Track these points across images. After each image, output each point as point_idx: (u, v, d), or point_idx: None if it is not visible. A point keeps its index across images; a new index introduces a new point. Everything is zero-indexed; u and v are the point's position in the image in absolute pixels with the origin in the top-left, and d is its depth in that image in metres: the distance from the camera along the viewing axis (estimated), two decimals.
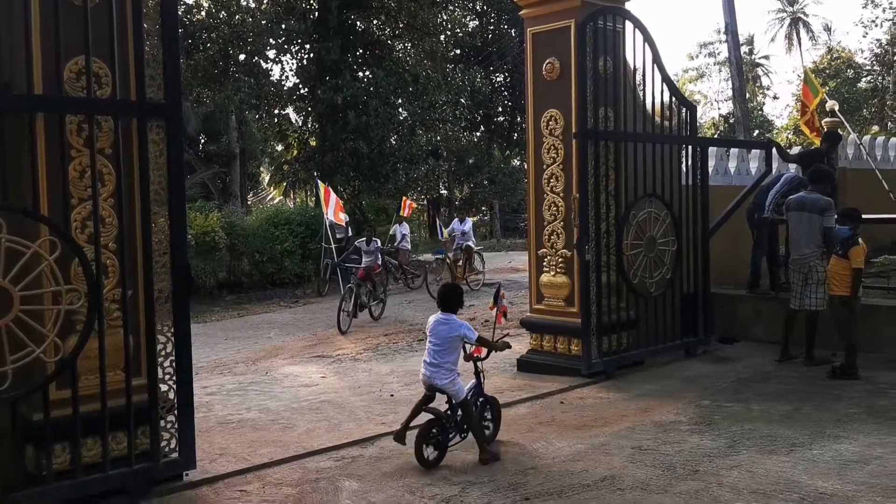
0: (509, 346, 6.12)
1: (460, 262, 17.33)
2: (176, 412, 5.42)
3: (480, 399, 6.10)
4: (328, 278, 17.69)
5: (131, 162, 5.23)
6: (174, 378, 5.40)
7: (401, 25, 25.16)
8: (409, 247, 18.96)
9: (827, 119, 11.98)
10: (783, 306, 9.03)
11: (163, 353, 5.35)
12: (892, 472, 5.29)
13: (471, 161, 35.01)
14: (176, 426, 5.43)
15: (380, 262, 14.40)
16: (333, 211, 17.64)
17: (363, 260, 13.88)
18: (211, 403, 7.75)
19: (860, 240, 7.99)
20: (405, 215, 19.31)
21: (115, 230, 5.12)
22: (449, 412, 5.83)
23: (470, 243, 17.66)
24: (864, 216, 8.42)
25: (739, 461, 5.57)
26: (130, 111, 5.21)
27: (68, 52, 4.91)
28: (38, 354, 4.71)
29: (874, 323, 8.65)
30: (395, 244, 18.30)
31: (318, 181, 19.10)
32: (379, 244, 14.45)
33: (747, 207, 10.26)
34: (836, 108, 12.61)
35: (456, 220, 18.93)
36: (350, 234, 18.73)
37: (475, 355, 6.05)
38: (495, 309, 6.58)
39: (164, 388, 5.37)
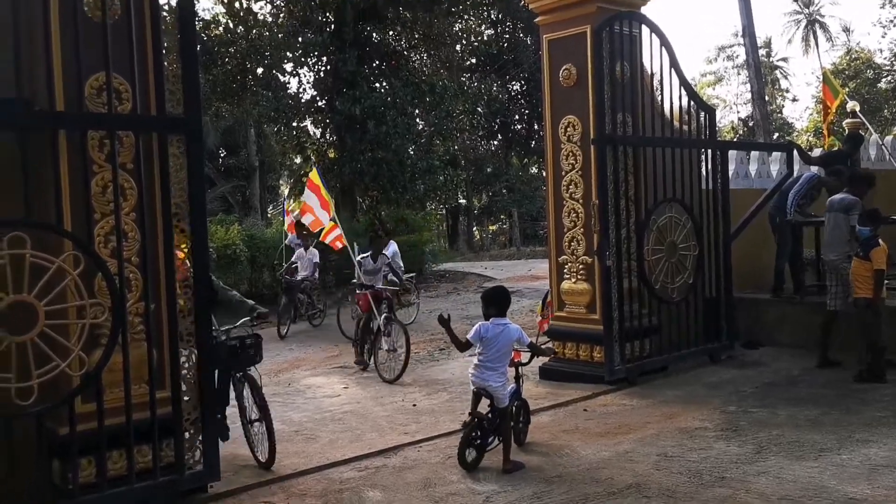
0: (554, 352, 6.21)
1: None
2: (200, 424, 5.44)
3: (517, 402, 6.15)
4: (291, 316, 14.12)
5: (152, 176, 5.27)
6: (197, 390, 5.43)
7: (416, 36, 25.24)
8: (317, 276, 14.87)
9: (848, 120, 11.87)
10: (807, 310, 8.93)
11: (186, 365, 5.38)
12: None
13: (489, 170, 34.97)
14: (200, 438, 5.45)
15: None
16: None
17: (364, 278, 10.58)
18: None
19: (881, 241, 7.90)
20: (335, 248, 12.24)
21: (137, 244, 5.16)
22: (490, 415, 5.86)
23: (394, 276, 11.32)
24: (888, 217, 8.33)
25: (767, 467, 5.51)
26: (151, 126, 5.27)
27: (89, 69, 4.97)
28: (63, 368, 4.74)
29: None
30: (298, 274, 14.46)
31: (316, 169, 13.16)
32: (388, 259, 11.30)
33: (769, 210, 10.17)
34: (857, 108, 12.50)
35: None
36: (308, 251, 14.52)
37: (516, 360, 6.08)
38: (540, 316, 6.62)
39: (187, 400, 5.40)
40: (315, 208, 11.17)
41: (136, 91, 5.15)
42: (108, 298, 4.93)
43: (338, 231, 11.29)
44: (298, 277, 14.35)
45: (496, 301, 6.01)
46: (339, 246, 11.40)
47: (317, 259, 14.66)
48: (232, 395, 6.46)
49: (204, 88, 19.93)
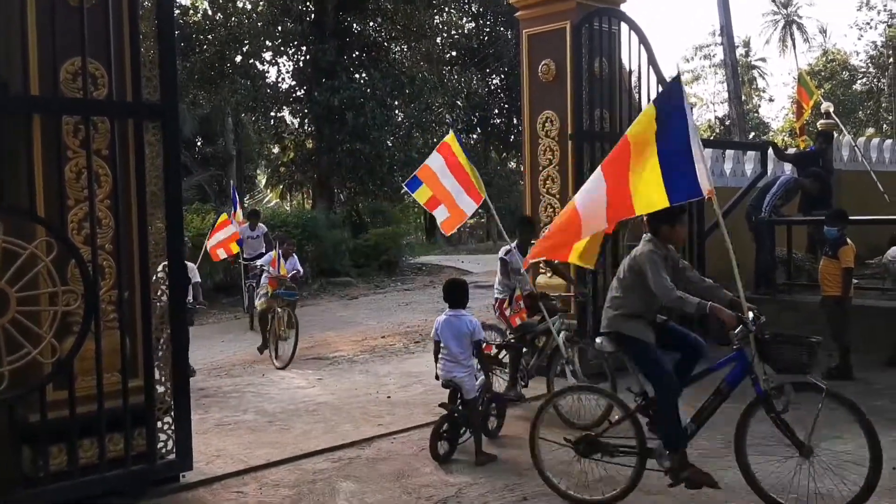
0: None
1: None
2: (173, 413, 5.42)
3: (487, 395, 6.17)
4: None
5: (128, 163, 5.24)
6: (171, 379, 5.40)
7: (397, 27, 25.21)
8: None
9: (822, 121, 12.04)
10: (779, 308, 9.03)
11: (159, 354, 5.36)
12: (886, 472, 5.29)
13: None
14: (172, 427, 5.43)
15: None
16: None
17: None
18: (208, 405, 7.74)
19: (848, 240, 8.03)
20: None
21: (111, 231, 5.13)
22: (461, 408, 5.90)
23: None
24: (859, 218, 8.44)
25: (735, 461, 5.57)
26: (127, 112, 5.23)
27: (65, 53, 4.92)
28: (34, 356, 4.70)
29: (869, 324, 8.66)
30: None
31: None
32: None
33: (746, 209, 10.28)
34: (832, 109, 12.66)
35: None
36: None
37: (487, 352, 6.11)
38: (509, 310, 6.67)
39: (160, 389, 5.37)
40: (454, 193, 7.13)
41: (113, 77, 5.11)
42: (80, 285, 4.89)
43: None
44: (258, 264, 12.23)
45: (451, 294, 6.10)
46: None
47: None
48: None
49: (181, 75, 19.75)
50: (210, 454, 6.07)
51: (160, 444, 5.37)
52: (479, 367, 6.07)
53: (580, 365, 6.96)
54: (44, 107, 4.90)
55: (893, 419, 6.57)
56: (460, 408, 5.91)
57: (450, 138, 7.22)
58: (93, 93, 5.04)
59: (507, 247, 7.53)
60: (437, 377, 6.10)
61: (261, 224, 14.14)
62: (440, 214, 7.22)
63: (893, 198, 11.50)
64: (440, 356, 6.00)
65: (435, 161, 7.22)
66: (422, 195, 7.30)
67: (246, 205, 31.43)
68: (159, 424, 5.37)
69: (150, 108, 5.29)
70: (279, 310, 10.15)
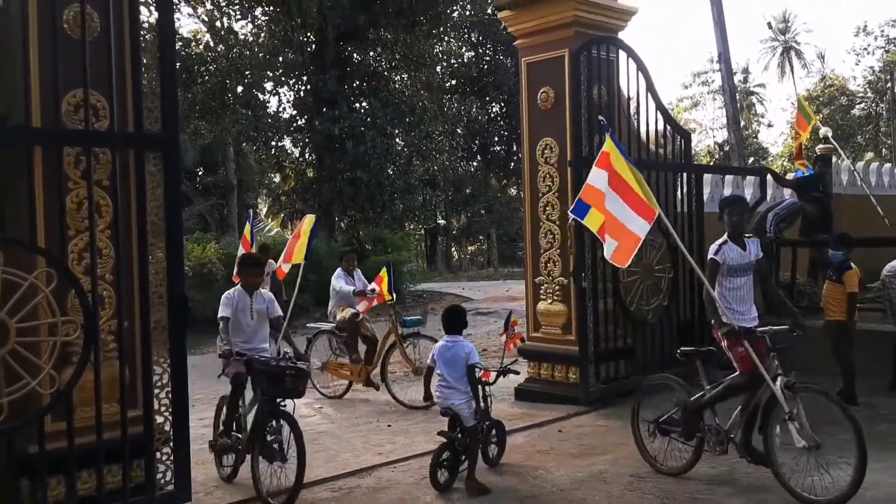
0: (517, 372, 6.35)
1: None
2: (172, 444, 5.39)
3: (486, 423, 6.14)
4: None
5: (129, 194, 5.26)
6: (170, 409, 5.38)
7: (397, 57, 25.40)
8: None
9: (821, 146, 12.07)
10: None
11: (159, 384, 5.34)
12: (891, 496, 5.26)
13: (468, 191, 35.11)
14: (172, 458, 5.39)
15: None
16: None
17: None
18: (208, 435, 7.65)
19: (852, 264, 8.02)
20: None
21: (111, 261, 5.13)
22: (460, 436, 5.87)
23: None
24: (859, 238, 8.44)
25: (739, 490, 5.54)
26: (128, 143, 5.25)
27: (66, 86, 4.96)
28: (33, 387, 4.69)
29: (872, 348, 8.63)
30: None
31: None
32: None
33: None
34: (830, 134, 12.69)
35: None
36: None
37: (483, 379, 6.09)
38: (505, 336, 6.64)
39: (160, 419, 5.35)
40: (622, 218, 5.69)
41: (114, 108, 5.15)
42: (80, 316, 4.89)
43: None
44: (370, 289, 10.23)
45: (448, 320, 6.13)
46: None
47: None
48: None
49: (183, 106, 19.88)
50: (209, 485, 6.03)
51: (159, 475, 5.33)
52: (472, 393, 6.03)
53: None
54: (46, 138, 4.93)
55: (895, 444, 6.54)
56: (459, 436, 5.87)
57: (608, 145, 5.77)
58: (94, 124, 5.07)
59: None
60: (425, 398, 6.24)
61: (271, 260, 11.63)
62: (608, 248, 5.77)
63: (893, 222, 11.51)
64: (437, 383, 5.98)
65: (598, 179, 5.79)
66: (593, 222, 5.86)
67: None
68: (158, 455, 5.34)
69: (152, 138, 5.32)
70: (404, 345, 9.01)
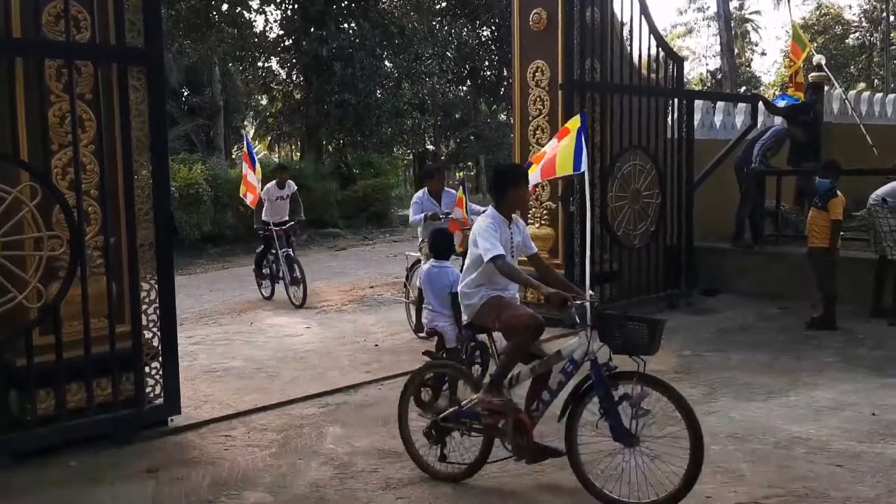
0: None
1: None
2: (160, 359, 5.45)
3: (472, 343, 6.21)
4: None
5: (112, 109, 5.17)
6: (158, 325, 5.42)
7: None
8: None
9: (814, 73, 11.98)
10: (766, 259, 9.09)
11: (146, 300, 5.37)
12: (865, 417, 5.41)
13: (457, 116, 34.70)
14: (160, 373, 5.46)
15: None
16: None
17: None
18: (196, 353, 7.78)
19: (839, 192, 8.06)
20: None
21: (96, 177, 5.09)
22: (443, 356, 5.94)
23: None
24: (852, 169, 8.45)
25: (717, 407, 5.68)
26: (110, 56, 5.15)
27: None
28: (20, 300, 4.71)
29: (854, 276, 8.74)
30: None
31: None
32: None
33: (735, 161, 10.29)
34: (823, 62, 12.60)
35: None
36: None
37: None
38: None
39: (148, 335, 5.39)
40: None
41: (96, 20, 5.02)
42: (66, 231, 4.87)
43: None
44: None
45: (434, 244, 6.14)
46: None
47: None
48: None
49: (166, 23, 19.42)
50: (198, 400, 6.12)
51: (148, 389, 5.40)
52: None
53: None
54: (26, 49, 4.82)
55: (872, 367, 6.71)
56: (443, 356, 5.95)
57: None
58: (75, 36, 4.96)
59: None
60: (415, 329, 6.15)
61: (290, 181, 11.16)
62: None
63: (882, 151, 11.51)
64: (424, 306, 6.03)
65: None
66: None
67: (234, 155, 31.24)
68: (147, 370, 5.39)
69: (135, 52, 5.21)
70: None
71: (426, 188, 8.26)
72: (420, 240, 8.13)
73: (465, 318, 4.84)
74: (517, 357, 4.50)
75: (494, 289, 4.65)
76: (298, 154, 29.63)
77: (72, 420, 4.99)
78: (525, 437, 4.28)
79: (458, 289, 4.82)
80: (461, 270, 5.27)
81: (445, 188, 8.31)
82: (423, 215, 7.93)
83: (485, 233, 4.47)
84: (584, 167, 5.05)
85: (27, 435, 4.86)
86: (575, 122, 5.31)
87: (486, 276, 4.59)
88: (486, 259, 4.37)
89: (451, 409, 4.60)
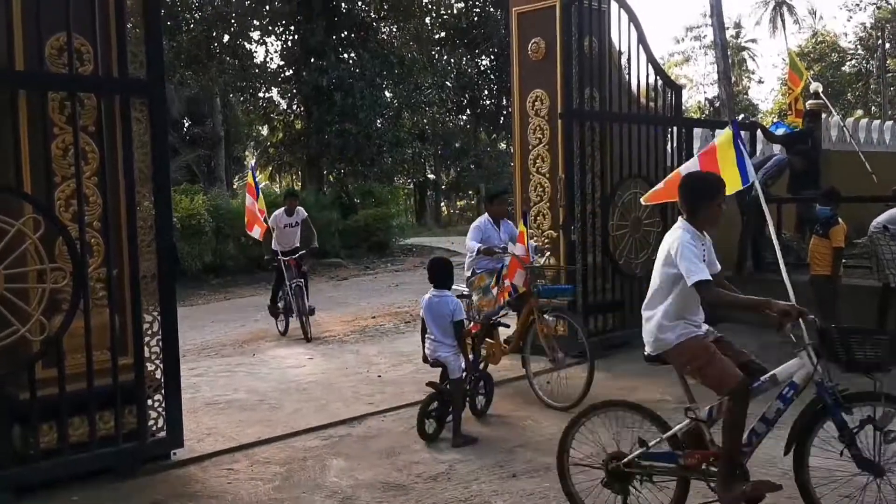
0: (506, 325, 6.28)
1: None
2: (163, 391, 5.42)
3: (475, 375, 6.18)
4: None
5: (115, 140, 5.19)
6: (161, 357, 5.40)
7: (385, 7, 25.04)
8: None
9: (811, 101, 12.05)
10: (768, 286, 9.05)
11: (149, 332, 5.35)
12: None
13: (457, 145, 34.91)
14: (163, 405, 5.43)
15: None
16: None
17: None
18: (198, 385, 7.74)
19: (840, 220, 8.06)
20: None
21: (99, 209, 5.09)
22: (447, 387, 5.92)
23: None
24: (847, 196, 8.47)
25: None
26: (113, 88, 5.17)
27: (50, 29, 4.86)
28: (23, 333, 4.69)
29: (857, 303, 8.71)
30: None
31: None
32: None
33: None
34: (820, 89, 12.68)
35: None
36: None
37: (473, 332, 6.11)
38: (496, 289, 6.61)
39: (150, 367, 5.37)
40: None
41: (98, 53, 5.06)
42: (69, 263, 4.87)
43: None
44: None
45: (434, 273, 6.09)
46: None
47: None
48: None
49: (168, 55, 19.59)
50: (201, 432, 6.07)
51: (151, 422, 5.36)
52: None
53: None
54: (29, 82, 4.85)
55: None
56: (447, 387, 5.92)
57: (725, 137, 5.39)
58: (78, 69, 4.99)
59: None
60: (424, 359, 6.11)
61: (300, 208, 10.96)
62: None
63: (881, 178, 11.54)
64: (426, 336, 6.02)
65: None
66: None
67: (235, 185, 31.32)
68: (150, 402, 5.36)
69: (137, 84, 5.24)
70: (545, 316, 6.81)
71: (486, 214, 7.68)
72: (468, 273, 7.44)
73: (648, 348, 4.30)
74: (742, 430, 3.98)
75: (690, 324, 4.16)
76: (299, 184, 29.70)
77: (74, 454, 4.95)
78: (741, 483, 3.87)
79: (657, 319, 4.16)
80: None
81: (505, 219, 7.70)
82: (478, 247, 7.21)
83: (686, 251, 3.93)
84: (752, 178, 5.04)
85: (30, 469, 4.82)
86: (727, 136, 5.17)
87: (682, 305, 4.09)
88: (690, 282, 3.85)
89: (636, 452, 4.18)
